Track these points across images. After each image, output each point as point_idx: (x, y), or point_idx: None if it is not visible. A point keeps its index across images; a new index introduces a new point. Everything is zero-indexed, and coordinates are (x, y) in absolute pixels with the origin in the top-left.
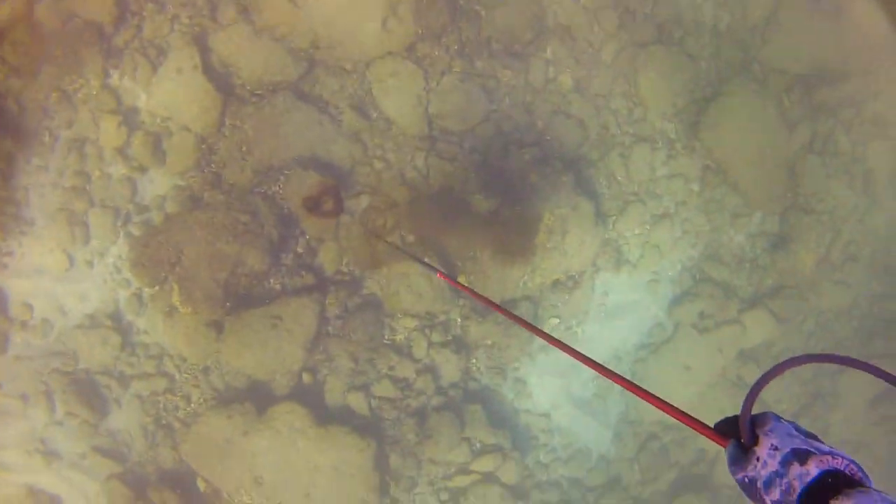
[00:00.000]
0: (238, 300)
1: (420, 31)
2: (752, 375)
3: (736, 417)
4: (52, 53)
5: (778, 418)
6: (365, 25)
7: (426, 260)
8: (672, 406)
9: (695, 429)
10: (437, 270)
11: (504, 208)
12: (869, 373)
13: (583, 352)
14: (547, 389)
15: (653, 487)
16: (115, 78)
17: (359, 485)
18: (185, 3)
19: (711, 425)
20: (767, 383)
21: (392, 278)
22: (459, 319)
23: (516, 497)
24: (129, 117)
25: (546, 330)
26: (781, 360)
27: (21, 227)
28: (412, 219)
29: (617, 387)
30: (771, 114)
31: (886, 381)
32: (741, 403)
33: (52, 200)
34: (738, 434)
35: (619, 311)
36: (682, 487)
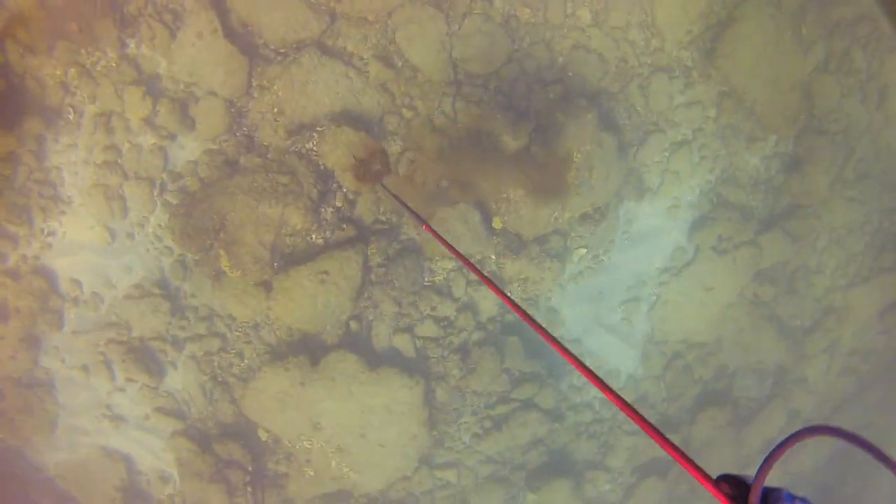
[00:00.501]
0: (285, 259)
1: None
2: (769, 294)
3: (745, 482)
4: (65, 28)
5: (791, 497)
6: None
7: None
8: (676, 448)
9: (696, 477)
10: (424, 223)
11: (533, 148)
12: (872, 455)
13: (568, 350)
14: (578, 316)
15: (678, 404)
16: (132, 47)
17: (409, 421)
18: None
19: (714, 476)
20: (781, 455)
21: (431, 223)
22: (494, 257)
23: (553, 420)
24: (152, 86)
25: (574, 260)
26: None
27: (60, 206)
28: (444, 164)
29: (643, 309)
30: (786, 36)
31: (885, 464)
32: (756, 469)
33: (86, 177)
34: (746, 500)
35: (642, 237)
36: (706, 402)
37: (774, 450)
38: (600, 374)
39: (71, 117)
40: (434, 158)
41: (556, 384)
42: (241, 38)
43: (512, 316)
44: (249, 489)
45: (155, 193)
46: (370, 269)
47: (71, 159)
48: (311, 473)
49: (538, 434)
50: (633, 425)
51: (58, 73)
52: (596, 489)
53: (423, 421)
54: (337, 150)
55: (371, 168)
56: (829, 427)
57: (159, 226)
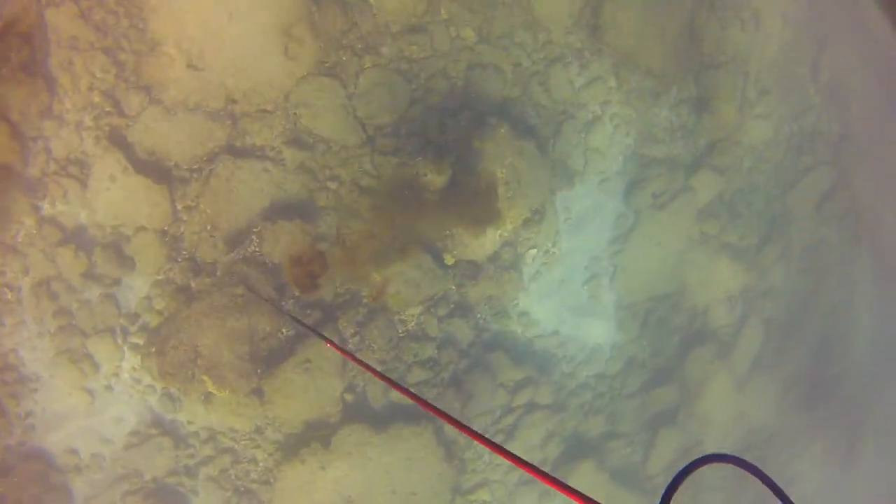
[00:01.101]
0: (266, 362)
1: (321, 44)
2: (714, 228)
3: None
4: None
5: None
6: (269, 61)
7: (325, 333)
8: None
9: None
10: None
11: (459, 177)
12: (763, 482)
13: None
14: (547, 311)
15: (665, 354)
16: (47, 208)
17: (430, 463)
18: (83, 106)
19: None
20: (682, 482)
21: (389, 281)
22: (455, 288)
23: (558, 411)
24: (80, 239)
25: (528, 262)
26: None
27: (29, 386)
28: (382, 223)
29: (605, 282)
30: None
31: (774, 493)
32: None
33: (45, 349)
34: None
35: (584, 218)
36: (689, 345)
37: (674, 479)
38: (587, 352)
39: (9, 296)
40: (371, 220)
41: (549, 378)
42: (153, 167)
43: (488, 334)
44: None
45: (119, 341)
46: (346, 342)
47: (24, 337)
48: None
49: (549, 429)
50: (631, 389)
51: None
52: (618, 457)
53: (441, 457)
54: (279, 245)
55: (310, 271)
56: (728, 456)
57: (134, 369)
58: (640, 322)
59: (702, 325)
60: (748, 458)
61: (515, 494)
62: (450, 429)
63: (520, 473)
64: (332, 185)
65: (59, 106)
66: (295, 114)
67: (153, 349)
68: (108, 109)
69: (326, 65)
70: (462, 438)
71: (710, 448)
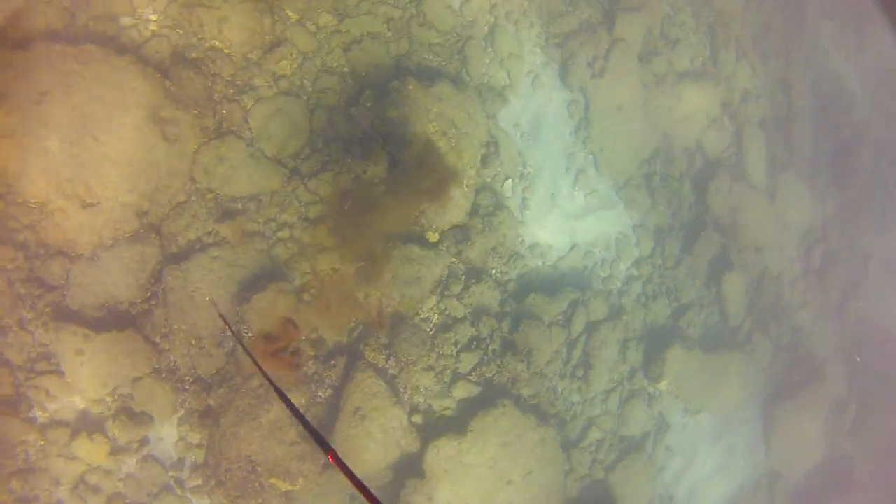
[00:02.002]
0: (321, 430)
1: (195, 111)
2: (662, 65)
3: None
4: None
5: None
6: (155, 155)
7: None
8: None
9: None
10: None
11: (397, 156)
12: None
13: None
14: (554, 230)
15: (685, 207)
16: (41, 415)
17: (529, 436)
18: (13, 302)
19: None
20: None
21: (388, 289)
22: (456, 260)
23: (618, 316)
24: (88, 424)
25: (509, 194)
26: None
27: None
28: (350, 246)
29: (591, 172)
30: None
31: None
32: None
33: None
34: None
35: (537, 124)
36: (702, 184)
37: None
38: (613, 247)
39: None
40: (338, 244)
41: (593, 291)
42: (110, 318)
43: (512, 282)
44: None
45: (179, 492)
46: (384, 371)
47: None
48: None
49: (619, 338)
50: (673, 258)
51: (6, 497)
52: (698, 327)
53: (536, 424)
54: (263, 318)
55: (285, 348)
56: None
57: None
58: (645, 191)
59: (703, 161)
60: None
61: (623, 417)
62: (528, 390)
63: (619, 394)
64: (285, 234)
65: None
66: (208, 189)
67: (212, 482)
68: (36, 293)
69: (210, 127)
70: (545, 393)
71: (776, 269)
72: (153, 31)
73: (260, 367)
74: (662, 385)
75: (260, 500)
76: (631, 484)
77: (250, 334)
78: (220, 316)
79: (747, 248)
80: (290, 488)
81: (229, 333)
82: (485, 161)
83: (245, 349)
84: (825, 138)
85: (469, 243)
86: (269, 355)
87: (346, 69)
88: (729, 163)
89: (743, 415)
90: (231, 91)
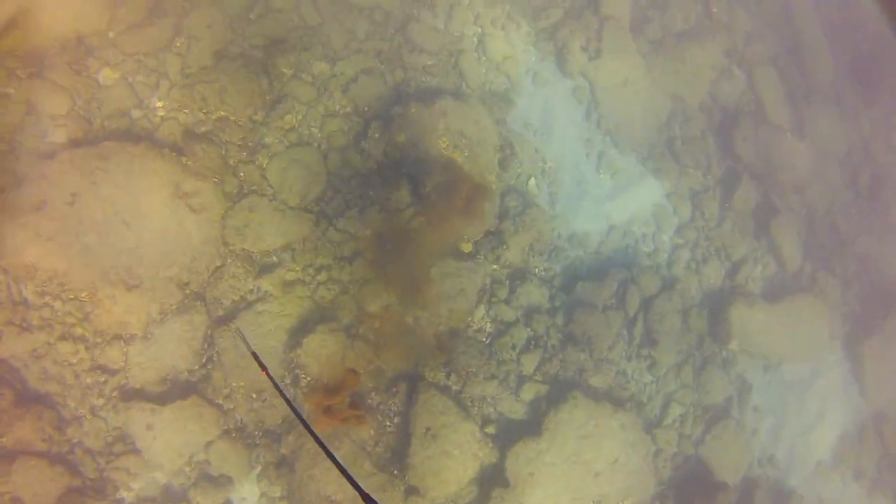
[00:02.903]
0: (395, 461)
1: (214, 179)
2: (656, 31)
3: None
4: None
5: None
6: (185, 227)
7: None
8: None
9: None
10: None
11: (419, 177)
12: None
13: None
14: (589, 217)
15: (713, 163)
16: (127, 496)
17: (607, 422)
18: (83, 394)
19: None
20: None
21: (435, 307)
22: (497, 266)
23: (672, 286)
24: (172, 496)
25: (537, 192)
26: None
27: None
28: (391, 276)
29: (612, 153)
30: None
31: None
32: None
33: None
34: None
35: (547, 118)
36: (726, 139)
37: None
38: (652, 220)
39: None
40: (378, 275)
41: (641, 267)
42: (173, 390)
43: (558, 277)
44: None
45: None
46: (447, 388)
47: None
48: None
49: (678, 308)
50: (715, 216)
51: None
52: (756, 282)
53: (612, 410)
54: (318, 361)
55: (343, 400)
56: None
57: None
58: (670, 157)
59: (721, 113)
60: None
61: (701, 386)
62: (598, 381)
63: (691, 365)
64: (323, 277)
65: (67, 411)
66: (243, 249)
67: None
68: (101, 379)
69: (233, 191)
70: (617, 377)
71: (824, 203)
72: (162, 117)
73: (290, 403)
74: (733, 346)
75: None
76: (725, 453)
77: (308, 378)
78: (258, 362)
79: (788, 190)
80: None
81: (284, 382)
82: (503, 164)
83: (283, 396)
84: (843, 57)
85: (505, 247)
86: (322, 412)
87: (348, 108)
88: (748, 108)
89: (827, 360)
90: (244, 154)
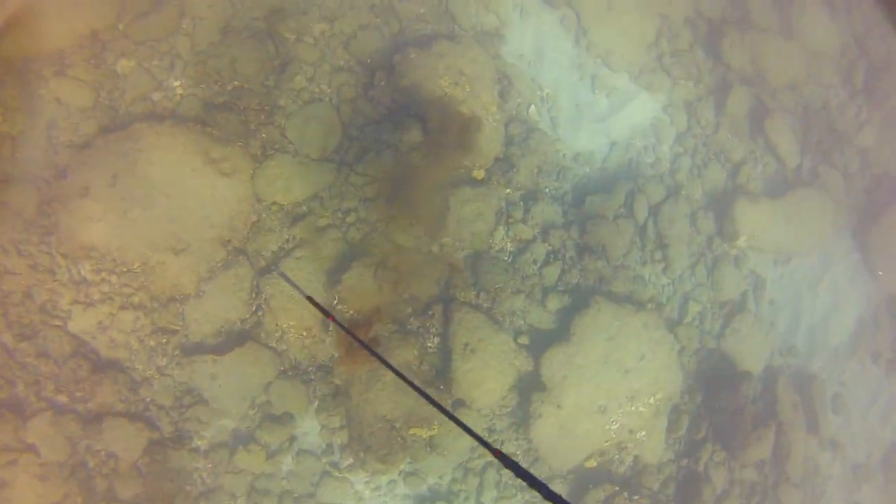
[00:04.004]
0: (440, 378)
1: (240, 142)
2: None
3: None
4: None
5: None
6: (219, 190)
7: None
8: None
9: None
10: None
11: (425, 115)
12: None
13: None
14: (590, 136)
15: (705, 71)
16: (200, 441)
17: (630, 321)
18: (146, 360)
19: None
20: None
21: (457, 233)
22: (510, 190)
23: (676, 193)
24: (241, 438)
25: (533, 112)
26: None
27: None
28: (410, 210)
29: (604, 73)
30: None
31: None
32: None
33: None
34: None
35: (540, 48)
36: (714, 41)
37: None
38: (651, 133)
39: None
40: (399, 211)
41: (646, 178)
42: (232, 339)
43: (568, 194)
44: None
45: (337, 475)
46: (479, 306)
47: None
48: None
49: (686, 213)
50: (711, 122)
51: None
52: (756, 179)
53: (634, 310)
54: (357, 294)
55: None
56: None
57: (370, 483)
58: (661, 72)
59: (706, 25)
60: None
61: (716, 284)
62: (619, 287)
63: (704, 264)
64: (352, 218)
65: (137, 373)
66: (274, 203)
67: (361, 453)
68: (163, 340)
69: (258, 153)
70: (632, 289)
71: (819, 101)
72: (181, 95)
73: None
74: (741, 243)
75: (408, 453)
76: (745, 345)
77: (351, 312)
78: (312, 302)
79: (781, 90)
80: (430, 434)
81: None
82: (503, 95)
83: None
84: None
85: (515, 170)
86: (346, 352)
87: (352, 63)
88: (733, 17)
89: (836, 250)
90: (263, 117)
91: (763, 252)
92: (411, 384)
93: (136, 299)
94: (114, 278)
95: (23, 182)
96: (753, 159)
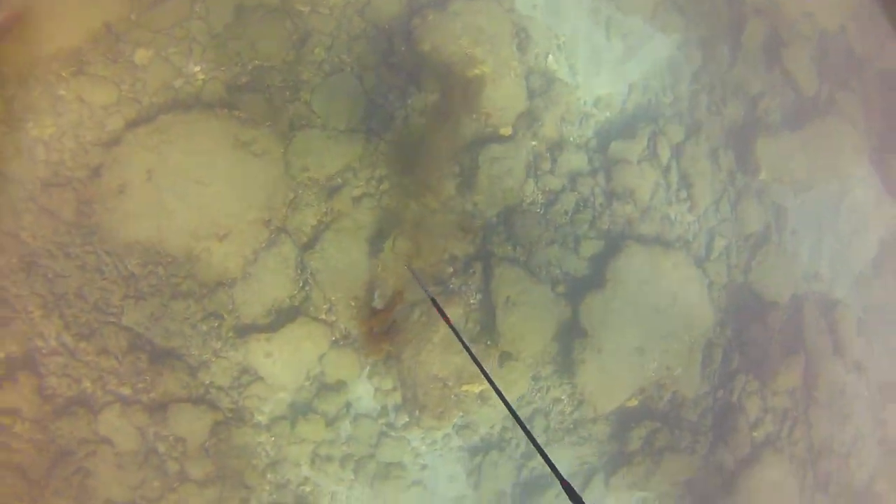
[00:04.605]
0: (485, 333)
1: (268, 123)
2: None
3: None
4: None
5: None
6: (252, 172)
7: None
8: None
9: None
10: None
11: (441, 77)
12: None
13: None
14: (609, 81)
15: (720, 10)
16: (261, 417)
17: (658, 266)
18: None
19: None
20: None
21: (489, 189)
22: (532, 141)
23: (697, 132)
24: (300, 409)
25: (551, 62)
26: None
27: None
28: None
29: (619, 17)
30: None
31: None
32: None
33: None
34: None
35: None
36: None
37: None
38: (667, 74)
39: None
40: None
41: (665, 118)
42: (283, 316)
43: (592, 140)
44: None
45: (395, 434)
46: (516, 259)
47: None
48: None
49: (706, 150)
50: (725, 60)
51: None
52: (770, 111)
53: (662, 252)
54: (399, 260)
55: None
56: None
57: (426, 440)
58: (674, 12)
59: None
60: None
61: (740, 218)
62: (644, 228)
63: (727, 199)
64: (385, 186)
65: (193, 359)
66: (309, 178)
67: (416, 412)
68: (216, 324)
69: (286, 130)
70: (661, 229)
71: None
72: (203, 80)
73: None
74: (763, 176)
75: (462, 409)
76: (771, 276)
77: (393, 279)
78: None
79: (796, 19)
80: (480, 388)
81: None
82: (521, 48)
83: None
84: None
85: (539, 123)
86: (368, 334)
87: (369, 30)
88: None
89: (855, 175)
90: (287, 94)
91: (783, 183)
92: (480, 368)
93: (184, 287)
94: (160, 269)
95: (59, 186)
96: (772, 91)
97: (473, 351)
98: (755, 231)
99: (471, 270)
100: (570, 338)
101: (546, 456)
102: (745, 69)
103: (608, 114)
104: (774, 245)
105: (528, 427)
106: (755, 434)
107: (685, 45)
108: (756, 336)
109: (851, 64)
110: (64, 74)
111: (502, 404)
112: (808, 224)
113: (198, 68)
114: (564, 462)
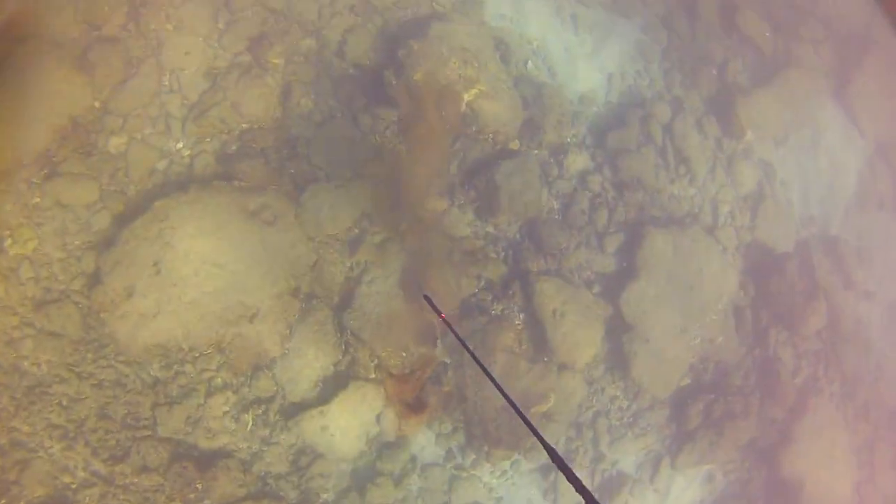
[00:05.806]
0: (537, 349)
1: (273, 187)
2: None
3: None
4: None
5: None
6: (267, 242)
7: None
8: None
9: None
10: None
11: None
12: None
13: None
14: (588, 76)
15: None
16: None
17: (679, 246)
18: None
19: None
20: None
21: (513, 207)
22: (539, 150)
23: (680, 108)
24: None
25: (531, 67)
26: None
27: None
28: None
29: (583, 11)
30: None
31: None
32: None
33: None
34: None
35: (517, 4)
36: None
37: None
38: (640, 58)
39: None
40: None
41: (651, 100)
42: (333, 384)
43: (588, 137)
44: None
45: (465, 474)
46: (549, 270)
47: None
48: None
49: (691, 123)
50: (708, 29)
51: None
52: (737, 68)
53: (679, 231)
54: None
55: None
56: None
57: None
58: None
59: None
60: None
61: (735, 180)
62: (657, 211)
63: (721, 166)
64: (403, 225)
65: (244, 453)
66: (327, 236)
67: (486, 447)
68: (259, 411)
69: (293, 190)
70: (671, 209)
71: None
72: (189, 155)
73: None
74: (749, 137)
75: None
76: (774, 230)
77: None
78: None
79: None
80: (546, 407)
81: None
82: (504, 59)
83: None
84: None
85: (542, 131)
86: (405, 408)
87: (351, 70)
88: None
89: (823, 117)
90: (284, 152)
91: (764, 139)
92: (483, 369)
93: (219, 381)
94: (188, 367)
95: (56, 302)
96: (735, 55)
97: (535, 372)
98: (751, 190)
99: (510, 292)
100: (616, 335)
101: (549, 450)
102: (707, 39)
103: (594, 108)
104: (770, 199)
105: (529, 421)
106: (796, 381)
107: (649, 28)
108: (777, 288)
109: (798, 16)
110: (36, 180)
111: (564, 415)
112: (792, 172)
113: (181, 144)
114: (631, 455)
